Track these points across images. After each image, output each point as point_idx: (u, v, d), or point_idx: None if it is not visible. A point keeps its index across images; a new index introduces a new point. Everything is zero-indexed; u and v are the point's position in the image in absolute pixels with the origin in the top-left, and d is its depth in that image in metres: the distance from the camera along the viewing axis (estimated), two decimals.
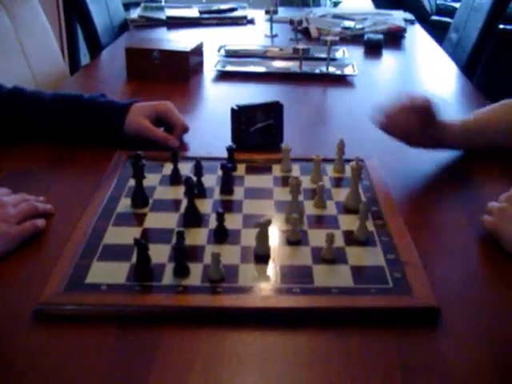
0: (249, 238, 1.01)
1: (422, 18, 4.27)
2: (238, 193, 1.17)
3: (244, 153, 1.31)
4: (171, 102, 1.47)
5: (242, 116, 1.37)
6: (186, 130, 1.45)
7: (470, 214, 1.13)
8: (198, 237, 1.02)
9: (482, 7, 2.73)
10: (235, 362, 0.78)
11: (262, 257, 0.97)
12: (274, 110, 1.39)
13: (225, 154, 1.25)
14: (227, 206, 1.12)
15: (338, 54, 2.25)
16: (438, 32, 3.35)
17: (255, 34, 2.73)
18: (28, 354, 0.79)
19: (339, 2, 5.90)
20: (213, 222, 1.04)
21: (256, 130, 1.38)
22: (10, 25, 2.03)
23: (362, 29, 2.66)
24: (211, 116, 1.67)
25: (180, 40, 2.21)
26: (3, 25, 1.99)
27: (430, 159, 1.39)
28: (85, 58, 3.94)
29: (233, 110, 1.37)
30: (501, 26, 2.55)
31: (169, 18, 2.86)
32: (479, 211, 1.09)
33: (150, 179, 1.17)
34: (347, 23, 2.74)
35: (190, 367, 0.77)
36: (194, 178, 1.10)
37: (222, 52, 2.27)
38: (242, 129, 1.37)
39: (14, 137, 1.42)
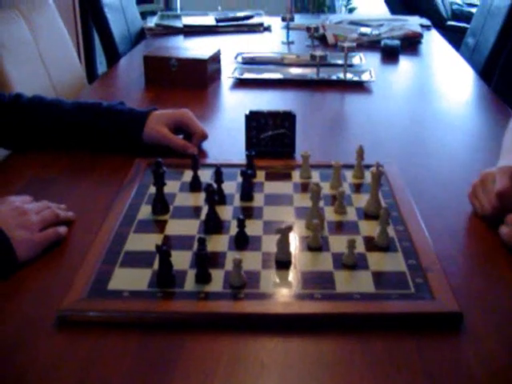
0: (270, 244, 1.01)
1: (438, 23, 4.27)
2: (258, 199, 1.17)
3: (263, 159, 1.31)
4: (190, 110, 1.47)
5: (252, 122, 1.37)
6: (205, 137, 1.45)
7: (491, 218, 1.12)
8: (218, 243, 1.02)
9: (500, 12, 2.72)
10: (258, 367, 0.78)
11: (283, 263, 0.97)
12: (286, 120, 1.38)
13: (244, 161, 1.25)
14: (247, 213, 1.12)
15: (355, 61, 2.25)
16: (454, 37, 3.34)
17: (272, 41, 2.73)
18: (50, 360, 0.79)
19: (354, 9, 5.91)
20: (233, 229, 1.04)
21: (267, 137, 1.38)
22: (29, 33, 2.05)
23: (379, 35, 2.65)
24: (229, 123, 1.68)
25: (197, 48, 2.22)
26: (22, 33, 2.02)
27: (450, 164, 1.38)
28: (101, 65, 3.97)
29: (245, 116, 1.38)
30: None
31: (185, 26, 2.87)
32: (501, 215, 1.08)
33: (170, 186, 1.18)
34: (363, 29, 2.74)
35: (213, 373, 0.77)
36: (215, 185, 1.10)
37: (240, 59, 2.28)
38: (252, 134, 1.38)
39: (34, 144, 1.43)
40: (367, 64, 2.22)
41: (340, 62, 2.17)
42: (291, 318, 0.86)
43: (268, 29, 2.97)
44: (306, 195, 1.16)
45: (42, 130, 1.42)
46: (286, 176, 1.27)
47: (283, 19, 2.73)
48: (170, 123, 1.41)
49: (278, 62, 2.26)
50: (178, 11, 3.17)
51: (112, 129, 1.40)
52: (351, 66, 2.16)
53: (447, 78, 2.26)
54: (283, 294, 0.90)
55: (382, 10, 5.09)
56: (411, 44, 2.64)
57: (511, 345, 0.83)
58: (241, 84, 2.03)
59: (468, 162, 1.42)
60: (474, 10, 4.72)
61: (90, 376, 0.77)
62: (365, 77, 2.06)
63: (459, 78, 2.26)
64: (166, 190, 1.14)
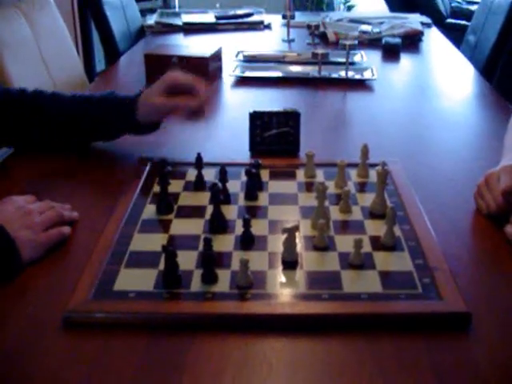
0: (275, 243, 1.00)
1: (437, 21, 4.25)
2: (263, 198, 1.17)
3: (267, 158, 1.30)
4: (176, 70, 1.40)
5: (257, 120, 1.37)
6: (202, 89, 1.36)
7: (497, 217, 1.11)
8: (224, 243, 1.01)
9: (501, 9, 2.71)
10: (265, 368, 0.78)
11: (289, 263, 0.96)
12: (291, 119, 1.37)
13: (248, 160, 1.25)
14: (252, 212, 1.11)
15: (357, 58, 2.24)
16: (454, 35, 3.33)
17: (272, 39, 2.73)
18: (56, 362, 0.79)
19: (353, 6, 5.89)
20: (239, 229, 1.04)
21: (271, 136, 1.37)
22: (30, 31, 2.04)
23: (380, 33, 2.65)
24: (232, 121, 1.67)
25: (198, 46, 2.21)
26: (23, 32, 2.01)
27: (452, 162, 1.38)
28: (100, 63, 3.96)
29: (249, 114, 1.38)
30: None
31: (185, 23, 2.86)
32: (507, 214, 1.08)
33: (174, 185, 1.17)
34: (364, 27, 2.73)
35: (221, 374, 0.77)
36: (219, 184, 1.09)
37: (240, 57, 2.27)
38: (256, 133, 1.37)
39: (37, 140, 1.39)
40: (368, 62, 2.21)
41: (340, 59, 2.16)
42: (299, 318, 0.86)
43: (268, 26, 2.97)
44: (310, 194, 1.16)
45: (46, 125, 1.36)
46: (291, 175, 1.27)
47: (284, 17, 2.72)
48: (162, 91, 1.34)
49: (280, 60, 2.25)
50: (177, 9, 3.16)
51: (105, 115, 1.34)
52: (352, 63, 2.15)
53: (448, 75, 2.25)
54: (290, 294, 0.90)
55: (381, 8, 5.08)
56: (412, 42, 2.64)
57: None
58: (242, 82, 2.03)
59: (470, 159, 1.41)
60: (473, 7, 4.71)
61: (97, 378, 0.76)
62: (367, 75, 2.05)
63: (460, 75, 2.26)
64: (170, 189, 1.13)
